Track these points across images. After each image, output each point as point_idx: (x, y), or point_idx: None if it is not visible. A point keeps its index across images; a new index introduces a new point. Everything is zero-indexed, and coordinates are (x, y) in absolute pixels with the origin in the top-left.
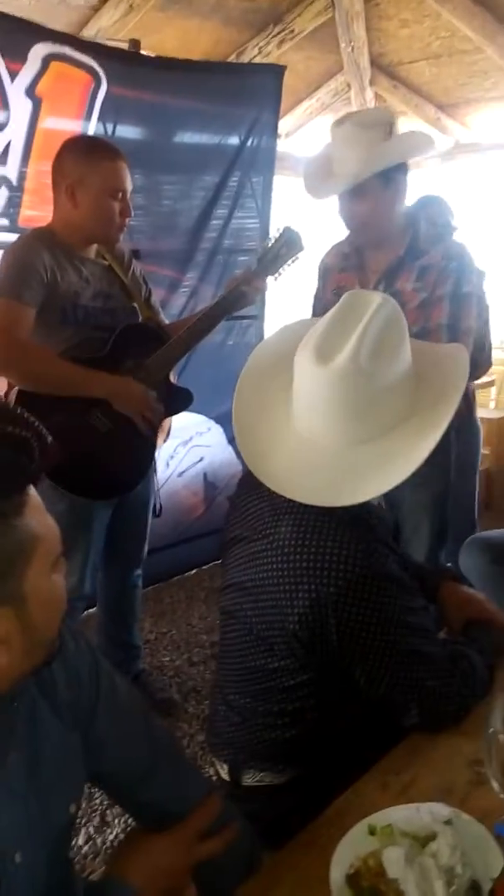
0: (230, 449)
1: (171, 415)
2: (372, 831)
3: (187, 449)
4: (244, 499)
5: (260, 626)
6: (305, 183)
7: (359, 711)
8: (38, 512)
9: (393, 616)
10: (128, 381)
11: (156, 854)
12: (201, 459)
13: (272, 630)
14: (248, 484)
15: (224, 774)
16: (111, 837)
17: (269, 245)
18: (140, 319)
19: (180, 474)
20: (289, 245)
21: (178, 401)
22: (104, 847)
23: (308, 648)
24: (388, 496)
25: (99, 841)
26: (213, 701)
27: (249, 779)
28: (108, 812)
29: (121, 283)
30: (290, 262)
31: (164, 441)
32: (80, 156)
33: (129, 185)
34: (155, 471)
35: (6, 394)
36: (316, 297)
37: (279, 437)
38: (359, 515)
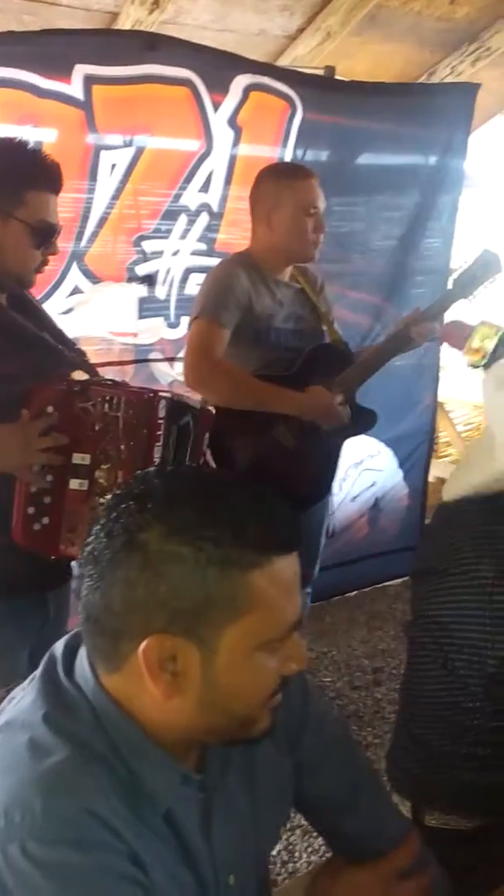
0: (400, 474)
1: (356, 435)
2: None
3: (358, 472)
4: (442, 529)
5: (456, 663)
6: None
7: None
8: (274, 587)
9: None
10: (309, 392)
11: (357, 887)
12: (373, 484)
13: (469, 670)
14: (447, 514)
15: (404, 812)
16: (273, 853)
17: (466, 267)
18: (328, 340)
19: (353, 499)
20: (486, 267)
21: (362, 422)
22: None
23: None
24: None
25: None
26: (396, 734)
27: (433, 820)
28: None
29: (312, 306)
30: (485, 284)
31: None
32: (274, 179)
33: (321, 202)
34: (331, 492)
35: None
36: None
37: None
38: None
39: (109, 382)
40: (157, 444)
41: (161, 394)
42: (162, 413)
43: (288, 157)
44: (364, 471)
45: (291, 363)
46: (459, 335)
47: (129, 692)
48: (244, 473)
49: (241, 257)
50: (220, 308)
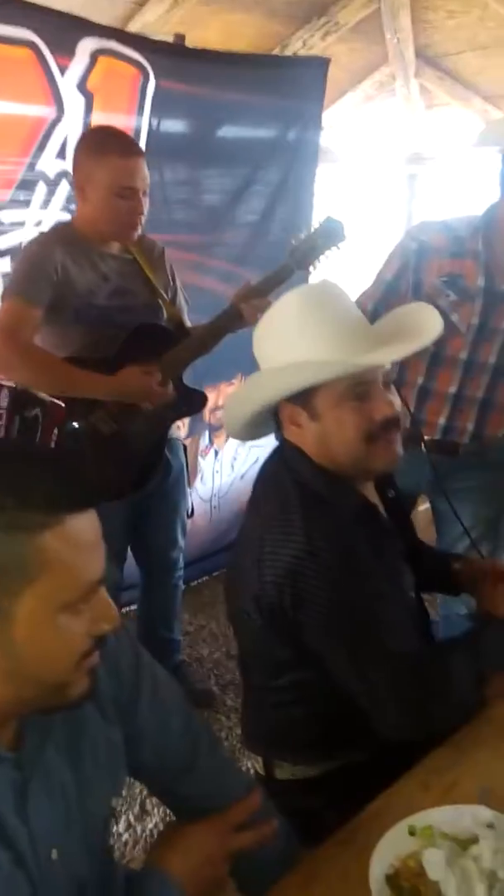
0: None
1: (185, 416)
2: (412, 832)
3: (247, 450)
4: (256, 482)
5: (245, 599)
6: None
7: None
8: (68, 547)
9: (348, 596)
10: (120, 374)
11: (193, 843)
12: (257, 460)
13: (249, 604)
14: (265, 461)
15: (259, 769)
16: (150, 826)
17: (305, 236)
18: (164, 317)
19: (242, 477)
20: (328, 235)
21: (192, 403)
22: (144, 835)
23: (275, 623)
24: (441, 507)
25: (139, 829)
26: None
27: (283, 773)
28: (147, 801)
29: (145, 280)
30: (328, 252)
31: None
32: (90, 152)
33: (141, 183)
34: (187, 471)
35: None
36: (393, 275)
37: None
38: (324, 497)
39: None
40: None
41: (3, 383)
42: (4, 402)
43: (144, 126)
44: (251, 448)
45: (114, 343)
46: None
47: None
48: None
49: (61, 229)
50: (28, 285)
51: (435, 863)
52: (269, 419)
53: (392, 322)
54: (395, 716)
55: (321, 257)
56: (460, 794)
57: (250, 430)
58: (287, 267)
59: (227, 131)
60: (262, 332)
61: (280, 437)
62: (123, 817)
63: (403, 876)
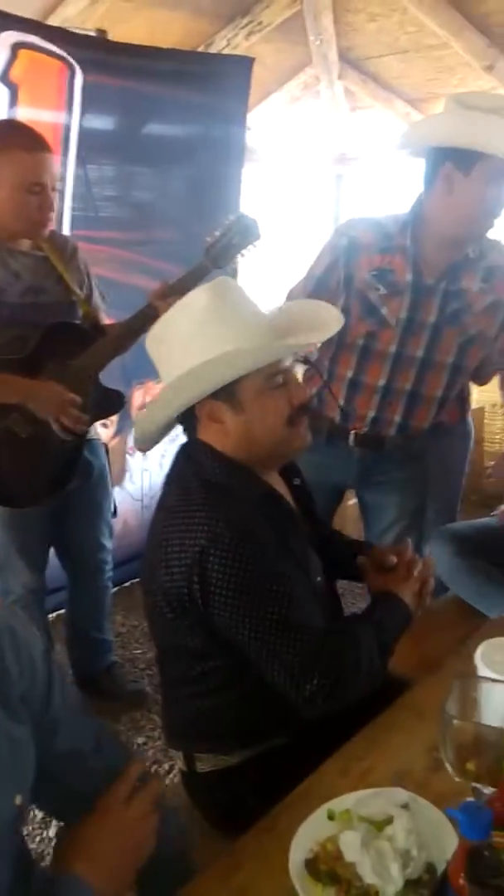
0: None
1: (103, 418)
2: (331, 816)
3: (175, 447)
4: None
5: (156, 593)
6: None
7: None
8: None
9: (253, 579)
10: (43, 383)
11: (89, 835)
12: None
13: (160, 598)
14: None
15: (181, 764)
16: None
17: (219, 234)
18: (79, 315)
19: None
20: (243, 233)
21: (109, 403)
22: None
23: (185, 614)
24: (368, 500)
25: None
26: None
27: (204, 765)
28: None
29: (59, 277)
30: (243, 251)
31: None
32: None
33: (50, 178)
34: (107, 470)
35: None
36: (323, 270)
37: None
38: (226, 487)
39: None
40: None
41: None
42: None
43: (75, 122)
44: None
45: (27, 343)
46: None
47: None
48: None
49: None
50: None
51: (351, 845)
52: (171, 423)
53: (287, 315)
54: (310, 691)
55: (238, 256)
56: (377, 777)
57: (156, 436)
58: (203, 266)
59: (154, 128)
60: (165, 334)
61: (188, 436)
62: (54, 821)
63: (322, 860)
